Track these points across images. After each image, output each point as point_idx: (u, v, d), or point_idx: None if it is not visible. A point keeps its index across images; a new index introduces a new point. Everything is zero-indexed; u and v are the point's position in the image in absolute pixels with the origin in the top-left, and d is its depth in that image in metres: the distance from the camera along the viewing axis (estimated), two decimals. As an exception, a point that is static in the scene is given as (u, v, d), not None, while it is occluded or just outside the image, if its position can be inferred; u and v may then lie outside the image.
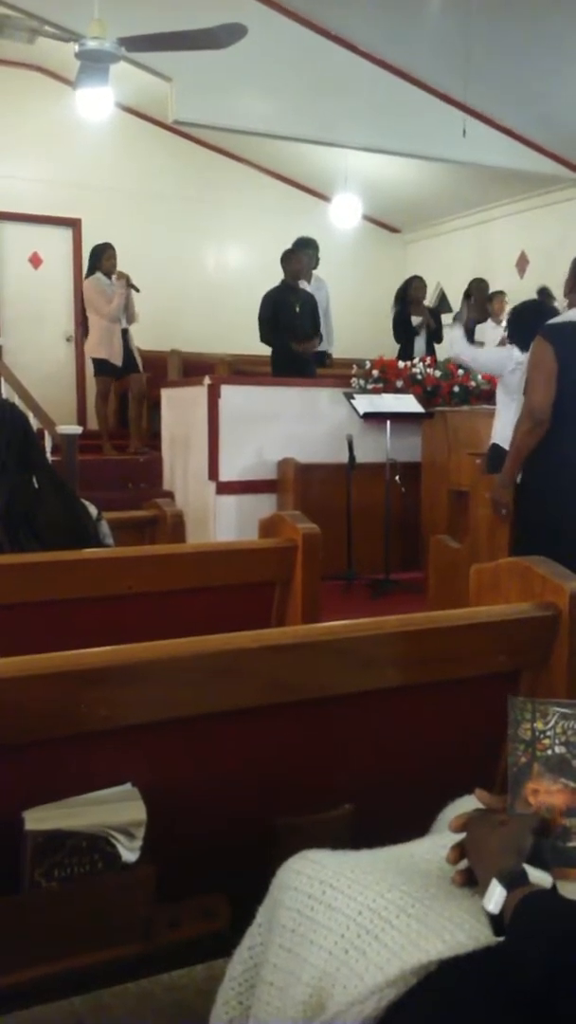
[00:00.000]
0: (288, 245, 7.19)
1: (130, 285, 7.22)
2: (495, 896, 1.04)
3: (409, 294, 7.76)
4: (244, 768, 1.50)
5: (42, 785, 1.33)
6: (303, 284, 7.07)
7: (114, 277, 7.25)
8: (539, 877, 1.05)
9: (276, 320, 6.84)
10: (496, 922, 1.04)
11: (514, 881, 1.04)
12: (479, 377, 6.61)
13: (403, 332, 7.71)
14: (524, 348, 4.40)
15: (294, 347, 6.81)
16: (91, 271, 7.37)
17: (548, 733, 1.21)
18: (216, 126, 7.36)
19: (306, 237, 7.22)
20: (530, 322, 4.43)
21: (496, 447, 4.64)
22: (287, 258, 6.95)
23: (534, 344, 3.62)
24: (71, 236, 9.26)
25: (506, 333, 4.96)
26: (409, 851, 1.28)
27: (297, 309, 6.91)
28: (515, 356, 4.47)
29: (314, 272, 7.36)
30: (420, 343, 7.67)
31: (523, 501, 3.76)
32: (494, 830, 1.15)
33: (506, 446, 4.52)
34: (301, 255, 6.98)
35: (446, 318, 8.15)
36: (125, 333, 7.41)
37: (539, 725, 1.22)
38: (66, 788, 1.33)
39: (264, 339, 6.98)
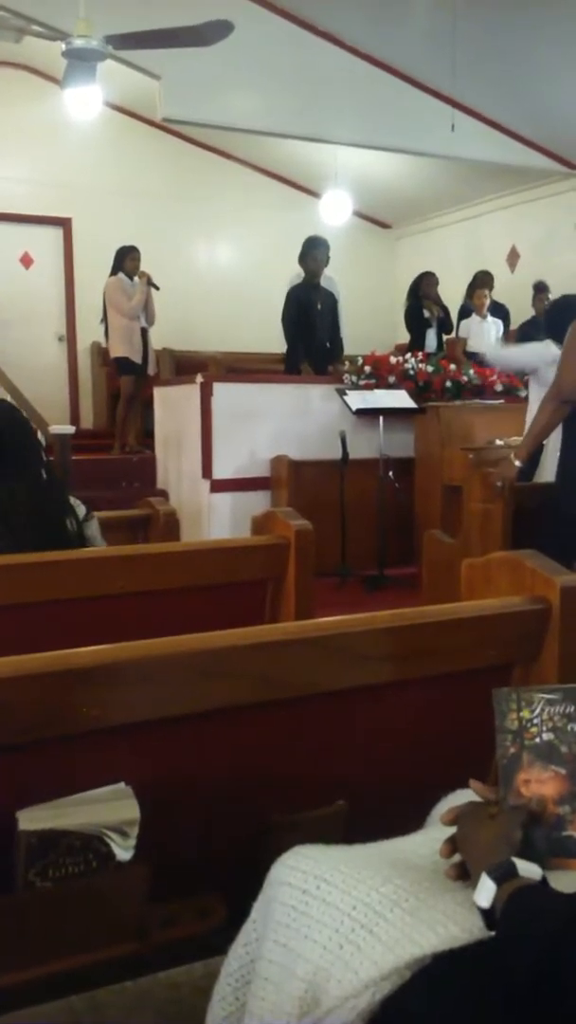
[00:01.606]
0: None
1: (151, 283, 7.30)
2: (485, 891, 1.04)
3: (421, 289, 7.83)
4: (238, 765, 1.50)
5: (35, 785, 1.33)
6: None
7: (136, 277, 7.29)
8: (529, 870, 1.05)
9: (300, 319, 6.85)
10: (487, 916, 1.04)
11: (504, 875, 1.04)
12: (471, 372, 6.62)
13: (415, 325, 7.78)
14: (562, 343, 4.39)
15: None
16: (115, 272, 7.43)
17: (535, 721, 1.21)
18: (205, 123, 7.36)
19: (317, 236, 7.24)
20: (568, 317, 4.41)
21: None
22: (304, 256, 6.97)
23: (572, 327, 3.55)
24: (61, 235, 9.26)
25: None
26: (403, 845, 1.28)
27: (319, 307, 6.94)
28: (552, 351, 4.44)
29: (324, 271, 7.37)
30: (431, 335, 7.75)
31: (562, 490, 3.72)
32: (485, 823, 1.15)
33: (549, 441, 4.52)
34: (317, 252, 6.99)
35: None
36: (143, 333, 7.48)
37: (525, 714, 1.22)
38: (59, 788, 1.33)
39: (289, 338, 6.99)
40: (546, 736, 1.20)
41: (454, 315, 8.04)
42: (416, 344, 7.65)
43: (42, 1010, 1.49)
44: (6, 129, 8.69)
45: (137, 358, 7.45)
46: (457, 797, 1.33)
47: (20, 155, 8.80)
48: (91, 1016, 1.67)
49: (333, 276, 7.44)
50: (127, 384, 7.55)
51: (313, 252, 6.97)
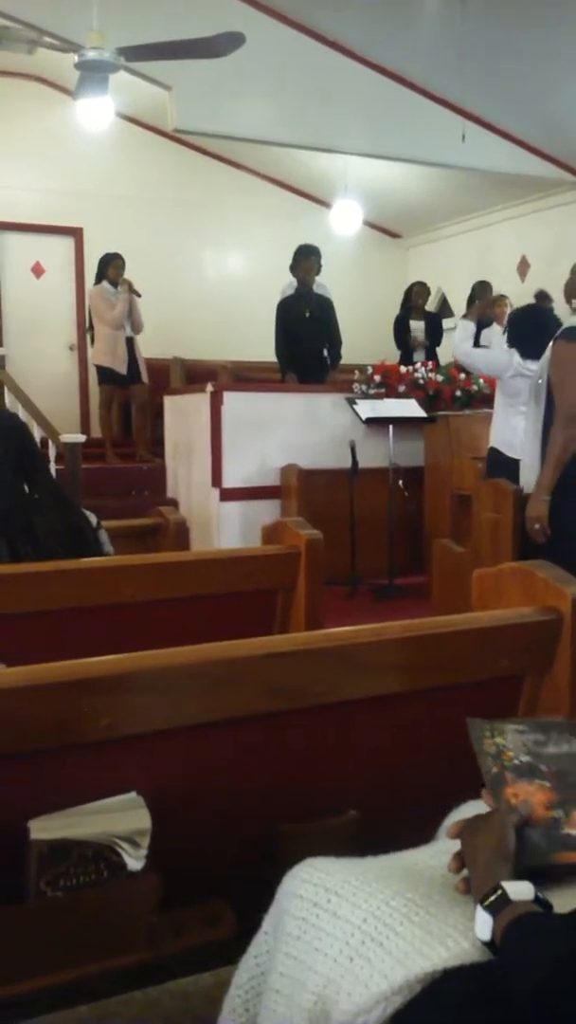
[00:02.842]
0: (290, 251, 7.21)
1: (132, 291, 7.28)
2: (482, 923, 1.04)
3: (411, 299, 7.80)
4: (248, 775, 1.50)
5: (47, 795, 1.33)
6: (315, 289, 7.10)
7: (118, 285, 7.30)
8: (520, 891, 1.05)
9: (288, 329, 6.87)
10: (492, 947, 1.04)
11: (495, 904, 1.04)
12: (481, 381, 6.61)
13: (402, 336, 7.75)
14: (525, 353, 4.37)
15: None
16: (98, 280, 7.46)
17: (509, 747, 1.24)
18: (216, 134, 7.38)
19: (307, 244, 7.25)
20: (531, 327, 4.41)
21: (494, 451, 4.62)
22: (295, 265, 7.00)
23: (561, 347, 3.40)
24: (73, 245, 9.29)
25: (505, 336, 4.96)
26: (414, 858, 1.28)
27: (307, 315, 6.93)
28: (515, 361, 4.45)
29: (317, 279, 7.38)
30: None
31: (557, 511, 3.64)
32: (480, 835, 1.15)
33: (504, 450, 4.50)
34: (307, 262, 7.00)
35: (448, 323, 8.19)
36: (130, 342, 7.46)
37: (500, 740, 1.25)
38: (71, 797, 1.33)
39: (275, 348, 7.03)
40: (524, 759, 1.24)
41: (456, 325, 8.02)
42: (405, 358, 7.54)
43: (51, 1019, 1.49)
44: (18, 139, 8.74)
45: (121, 368, 7.41)
46: (468, 808, 1.33)
47: (32, 165, 8.84)
48: (100, 1026, 1.66)
49: (326, 283, 7.46)
50: (106, 393, 7.56)
51: (303, 261, 6.98)
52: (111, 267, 7.36)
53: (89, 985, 1.43)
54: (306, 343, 6.96)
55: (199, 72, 6.15)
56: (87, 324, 7.67)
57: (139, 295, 7.36)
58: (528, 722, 1.28)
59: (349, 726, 1.56)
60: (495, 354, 4.80)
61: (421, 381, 6.49)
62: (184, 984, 1.70)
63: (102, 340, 7.41)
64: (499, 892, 1.04)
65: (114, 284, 7.34)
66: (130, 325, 7.42)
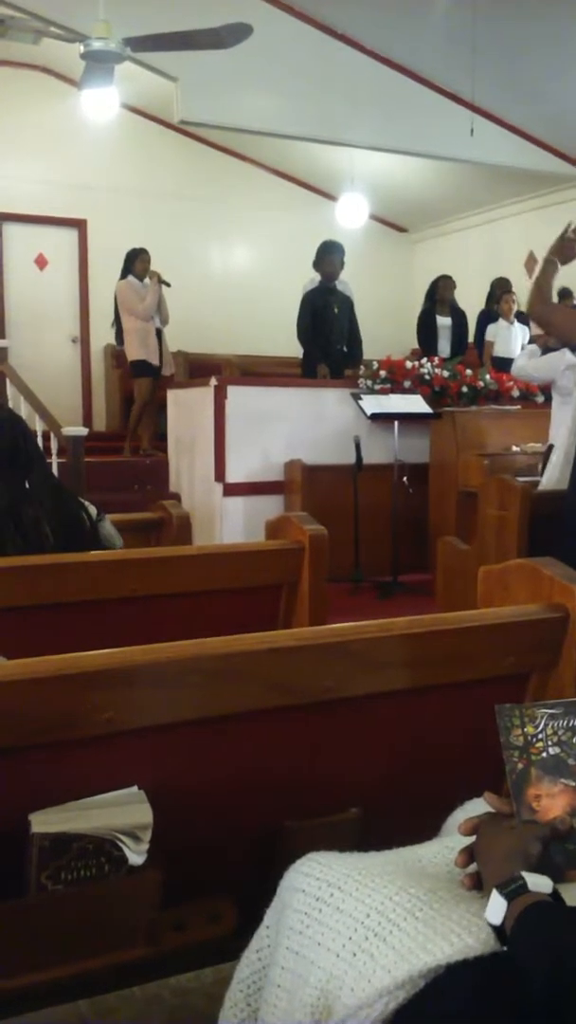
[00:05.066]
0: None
1: (161, 281, 7.27)
2: (495, 907, 1.03)
3: (437, 293, 7.73)
4: (251, 771, 1.49)
5: (48, 788, 1.32)
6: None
7: (147, 278, 7.29)
8: (539, 884, 1.04)
9: (314, 323, 6.85)
10: (499, 932, 1.03)
11: (514, 891, 1.03)
12: (487, 377, 6.59)
13: (427, 332, 7.70)
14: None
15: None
16: (124, 274, 7.42)
17: (540, 736, 1.21)
18: (222, 126, 7.37)
19: (332, 240, 7.21)
20: None
21: (553, 448, 4.65)
22: (320, 260, 6.94)
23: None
24: (77, 237, 9.28)
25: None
26: (417, 854, 1.27)
27: (336, 310, 6.91)
28: (567, 358, 4.45)
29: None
30: (444, 344, 7.64)
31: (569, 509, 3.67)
32: (504, 835, 1.14)
33: (561, 448, 4.53)
34: (333, 256, 6.96)
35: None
36: (159, 334, 7.46)
37: (529, 729, 1.21)
38: (72, 791, 1.32)
39: (304, 343, 6.99)
40: (552, 751, 1.20)
41: (472, 321, 7.97)
42: (428, 349, 7.56)
43: (50, 1014, 1.48)
44: (23, 130, 8.73)
45: (154, 360, 7.42)
46: (473, 806, 1.32)
47: (37, 156, 8.83)
48: (100, 1020, 1.66)
49: (347, 280, 7.42)
50: (144, 387, 7.52)
51: (329, 256, 6.94)
52: (139, 261, 7.35)
53: (89, 980, 1.43)
54: (334, 338, 6.94)
55: (206, 63, 6.14)
56: (114, 320, 7.62)
57: (168, 284, 7.31)
58: (563, 703, 1.24)
59: (352, 723, 1.55)
60: (544, 360, 4.83)
61: (427, 377, 6.47)
62: (185, 980, 1.69)
63: (133, 334, 7.37)
64: (519, 881, 1.04)
65: (140, 278, 7.33)
66: (159, 317, 7.40)
